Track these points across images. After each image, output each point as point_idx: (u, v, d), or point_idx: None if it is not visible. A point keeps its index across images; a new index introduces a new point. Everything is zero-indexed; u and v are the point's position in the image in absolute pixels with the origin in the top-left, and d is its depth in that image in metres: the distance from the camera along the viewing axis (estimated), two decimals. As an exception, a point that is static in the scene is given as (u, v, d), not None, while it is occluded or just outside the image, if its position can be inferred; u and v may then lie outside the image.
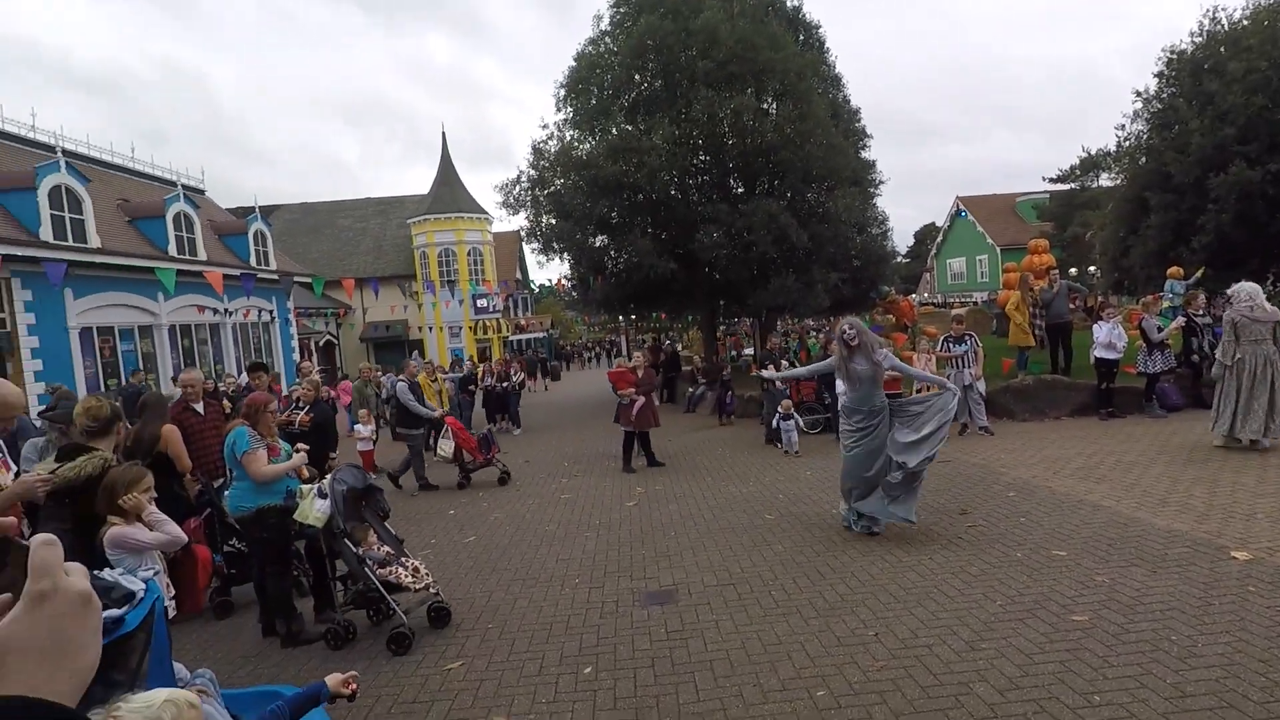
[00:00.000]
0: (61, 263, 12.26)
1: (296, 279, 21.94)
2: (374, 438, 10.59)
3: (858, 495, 6.12)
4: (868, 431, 6.03)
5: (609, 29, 17.74)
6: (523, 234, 19.40)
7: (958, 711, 3.24)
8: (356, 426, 10.52)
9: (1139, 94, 22.77)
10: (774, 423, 10.37)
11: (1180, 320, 10.38)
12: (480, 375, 16.42)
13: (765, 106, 16.27)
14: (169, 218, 19.67)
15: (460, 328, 33.48)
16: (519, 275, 43.08)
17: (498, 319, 33.96)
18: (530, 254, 19.89)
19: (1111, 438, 8.88)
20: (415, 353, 13.90)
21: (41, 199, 15.63)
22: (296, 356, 24.70)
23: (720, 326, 25.22)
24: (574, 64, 17.61)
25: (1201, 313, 10.58)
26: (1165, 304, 12.74)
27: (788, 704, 3.46)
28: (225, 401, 8.63)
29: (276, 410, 5.50)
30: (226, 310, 21.49)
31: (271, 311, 24.34)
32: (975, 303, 33.41)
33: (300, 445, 5.27)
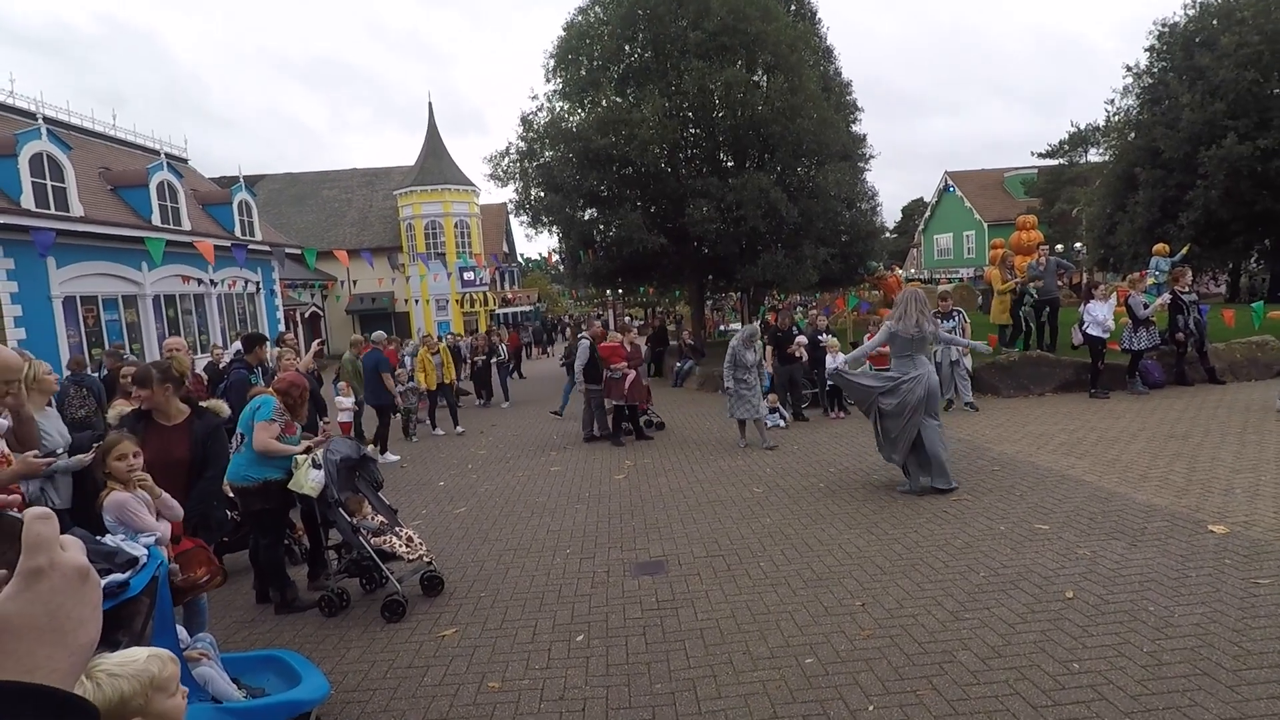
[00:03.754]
0: (49, 231, 12.02)
1: (286, 250, 21.70)
2: (356, 408, 10.56)
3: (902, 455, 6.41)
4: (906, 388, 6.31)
5: (599, -2, 17.45)
6: (511, 206, 19.24)
7: (941, 679, 3.32)
8: (338, 398, 10.48)
9: (1129, 68, 22.76)
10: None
11: (1165, 297, 10.48)
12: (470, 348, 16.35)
13: (756, 79, 16.12)
14: (152, 186, 19.34)
15: (447, 300, 33.28)
16: (506, 248, 42.74)
17: (485, 292, 33.76)
18: (518, 227, 19.77)
19: (1094, 414, 9.02)
20: (415, 331, 13.80)
21: (23, 166, 15.30)
22: (282, 327, 24.49)
23: (709, 300, 25.25)
24: (563, 34, 17.34)
25: (1187, 290, 10.68)
26: (1151, 281, 12.84)
27: (776, 671, 3.54)
28: (201, 374, 8.47)
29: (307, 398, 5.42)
30: (212, 281, 21.23)
31: (258, 283, 24.07)
32: (961, 279, 33.55)
33: (309, 438, 5.08)
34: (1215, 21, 19.82)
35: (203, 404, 4.43)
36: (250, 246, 20.58)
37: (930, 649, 3.61)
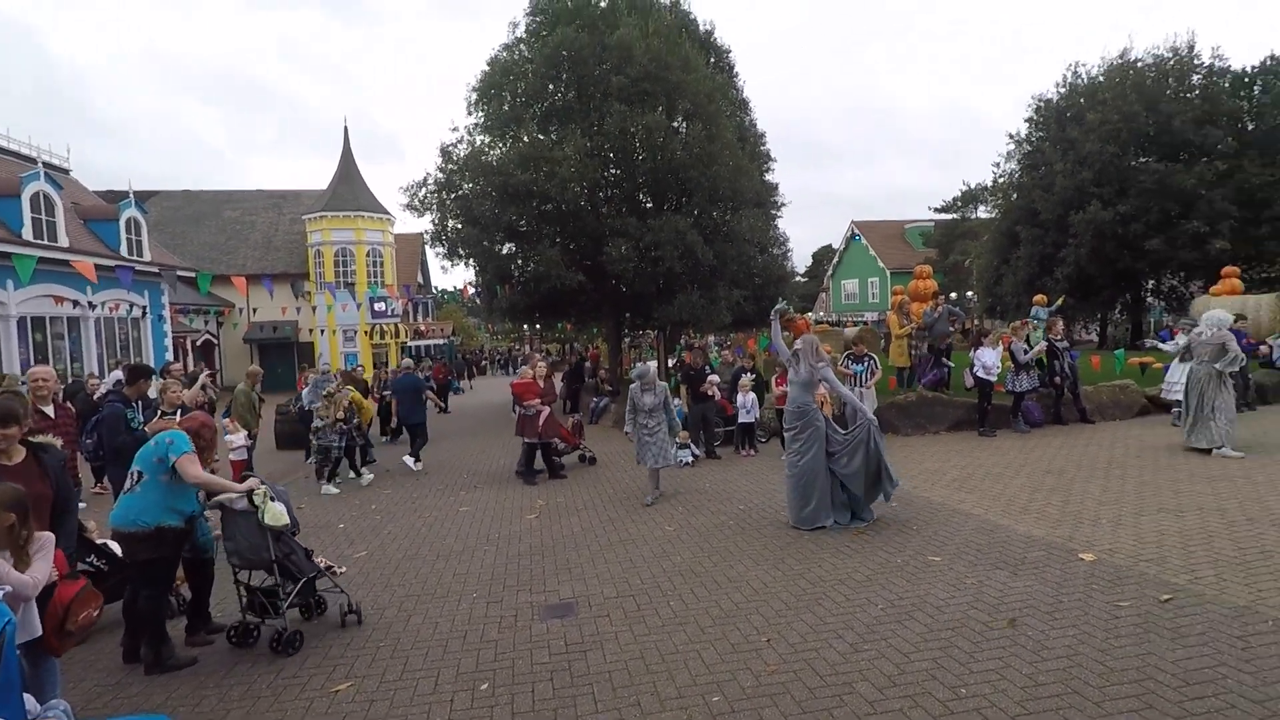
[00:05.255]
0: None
1: (178, 272, 20.44)
2: (249, 444, 9.90)
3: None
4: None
5: (524, 36, 17.69)
6: (427, 237, 18.93)
7: (841, 710, 3.42)
8: (226, 436, 9.74)
9: (1012, 136, 24.99)
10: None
11: (1043, 344, 11.37)
12: (374, 384, 15.78)
13: (676, 125, 16.65)
14: (25, 198, 17.91)
15: (355, 331, 32.13)
16: (421, 279, 41.86)
17: (396, 324, 32.82)
18: (434, 258, 19.41)
19: (983, 451, 9.61)
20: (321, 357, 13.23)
21: None
22: (170, 356, 22.94)
23: (626, 337, 25.48)
24: (487, 69, 17.43)
25: (1060, 337, 11.64)
26: (1031, 328, 13.92)
27: (683, 711, 3.55)
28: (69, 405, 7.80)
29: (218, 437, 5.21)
30: (90, 303, 19.72)
31: (144, 306, 22.52)
32: (866, 323, 35.29)
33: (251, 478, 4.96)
34: (1082, 100, 22.07)
35: (36, 439, 3.92)
36: (137, 267, 19.32)
37: (831, 681, 3.71)
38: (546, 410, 9.95)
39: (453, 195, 16.97)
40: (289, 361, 32.26)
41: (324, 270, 31.80)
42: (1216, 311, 9.11)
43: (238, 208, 36.18)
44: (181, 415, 7.09)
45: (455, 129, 17.14)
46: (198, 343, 28.90)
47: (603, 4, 16.93)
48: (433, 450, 12.42)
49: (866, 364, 10.50)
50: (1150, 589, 4.56)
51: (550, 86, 16.81)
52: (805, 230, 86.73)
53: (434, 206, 17.22)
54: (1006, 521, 6.27)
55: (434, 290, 39.11)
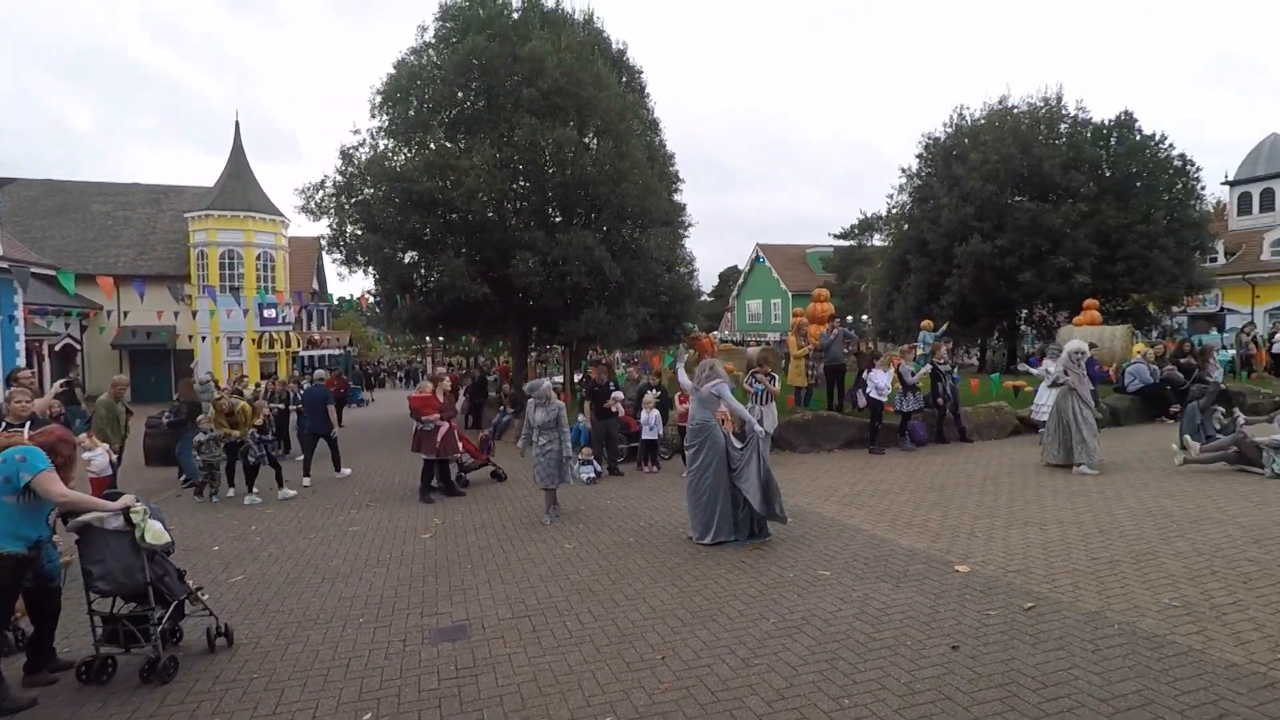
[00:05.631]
0: None
1: (34, 269, 18.58)
2: (112, 460, 9.01)
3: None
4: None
5: (433, 41, 17.32)
6: (324, 242, 18.10)
7: (730, 727, 3.46)
8: (84, 453, 8.83)
9: (904, 170, 26.54)
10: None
11: (928, 367, 12.08)
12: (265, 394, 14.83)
13: (587, 141, 16.71)
14: None
15: (241, 339, 30.22)
16: (316, 286, 39.94)
17: (288, 332, 31.12)
18: (331, 264, 18.52)
19: (873, 468, 10.08)
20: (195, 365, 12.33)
21: None
22: (21, 361, 20.76)
23: (533, 352, 25.20)
24: (393, 71, 16.94)
25: (944, 361, 12.42)
26: (918, 352, 14.77)
27: (574, 733, 3.49)
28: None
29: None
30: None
31: (-7, 307, 20.30)
32: (768, 343, 36.44)
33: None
34: (966, 140, 23.74)
35: None
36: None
37: (722, 697, 3.75)
38: (446, 426, 9.67)
39: (353, 200, 16.33)
40: (165, 371, 29.94)
41: (208, 273, 29.78)
42: (1075, 341, 9.97)
43: (110, 201, 33.37)
44: (32, 428, 6.43)
45: (357, 131, 16.55)
46: (56, 348, 26.32)
47: (515, 15, 16.84)
48: (323, 467, 11.80)
49: (765, 382, 10.81)
50: (1016, 598, 4.89)
51: (460, 94, 16.53)
52: (712, 251, 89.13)
53: (332, 210, 16.51)
54: (892, 536, 6.58)
55: (329, 298, 37.26)
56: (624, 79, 19.25)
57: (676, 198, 20.15)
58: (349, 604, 5.54)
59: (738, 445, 6.81)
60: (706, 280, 68.64)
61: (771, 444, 10.86)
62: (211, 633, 4.73)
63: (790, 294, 47.20)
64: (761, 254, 51.41)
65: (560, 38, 16.14)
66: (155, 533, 4.35)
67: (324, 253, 19.51)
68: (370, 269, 17.07)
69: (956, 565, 5.63)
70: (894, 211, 27.28)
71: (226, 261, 30.12)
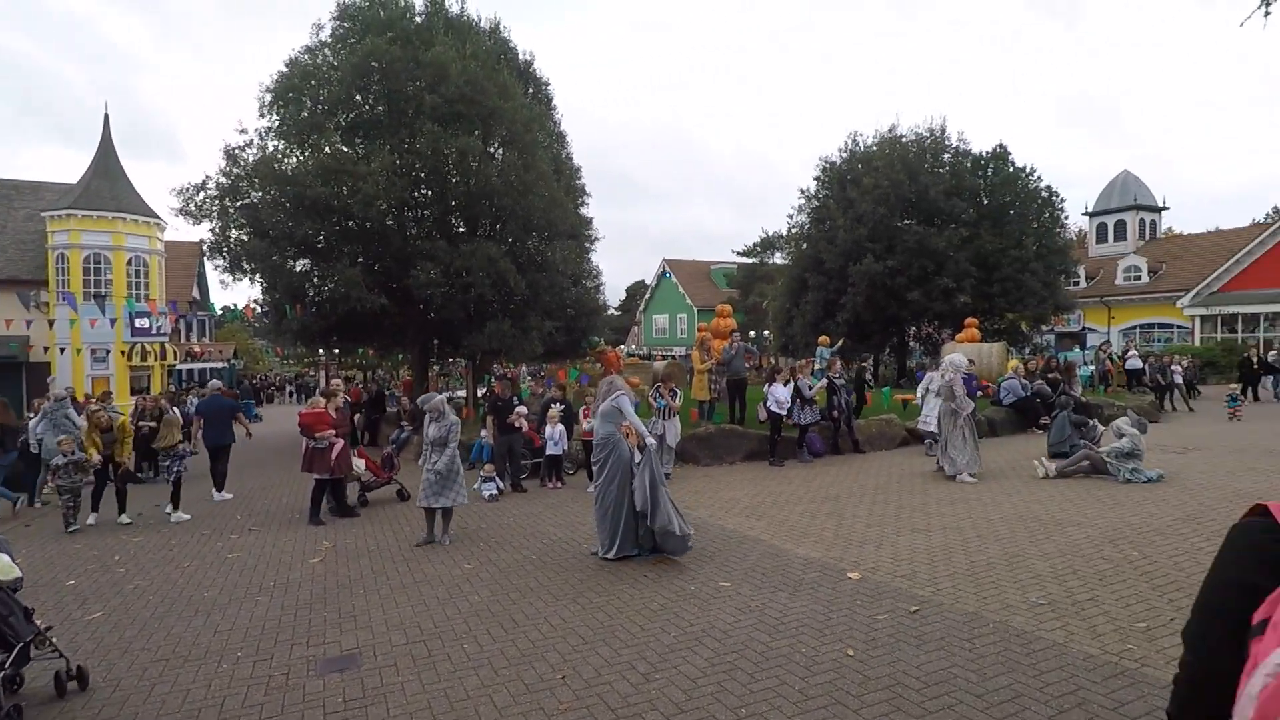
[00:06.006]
0: None
1: None
2: None
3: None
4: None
5: (329, 41, 16.66)
6: (206, 248, 16.96)
7: (630, 745, 3.43)
8: None
9: (803, 191, 27.69)
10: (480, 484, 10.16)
11: (824, 381, 12.57)
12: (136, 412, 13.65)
13: (492, 151, 16.49)
14: None
15: (109, 351, 27.76)
16: (197, 294, 37.31)
17: (163, 343, 28.86)
18: (213, 271, 17.34)
19: (772, 480, 10.36)
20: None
21: None
22: None
23: (436, 366, 24.48)
24: (285, 69, 16.16)
25: (839, 375, 12.96)
26: (816, 366, 15.36)
27: (468, 763, 3.36)
28: None
29: None
30: None
31: None
32: (674, 357, 36.95)
33: None
34: (860, 165, 25.07)
35: None
36: None
37: (622, 714, 3.72)
38: (340, 443, 9.21)
39: (238, 203, 15.41)
40: (15, 385, 27.07)
41: (69, 278, 27.19)
42: (954, 355, 10.65)
43: (-46, 197, 30.00)
44: None
45: (243, 130, 15.52)
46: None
47: (418, 19, 16.47)
48: (199, 489, 10.98)
49: (668, 398, 10.92)
50: (902, 602, 5.13)
51: (358, 97, 15.97)
52: (619, 264, 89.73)
53: (214, 214, 15.51)
54: (789, 546, 6.76)
55: (210, 307, 34.68)
56: (531, 90, 19.17)
57: (583, 211, 20.20)
58: (225, 637, 5.15)
59: (636, 458, 6.84)
60: (614, 294, 69.00)
61: (675, 458, 11.07)
62: (61, 676, 4.27)
63: (696, 309, 48.13)
64: (668, 269, 52.22)
65: (465, 45, 15.90)
66: (4, 568, 3.99)
67: (205, 259, 18.25)
68: (257, 277, 16.12)
69: (849, 572, 5.85)
70: (794, 231, 28.39)
71: (92, 266, 27.60)
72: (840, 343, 20.29)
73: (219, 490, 10.95)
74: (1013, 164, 25.18)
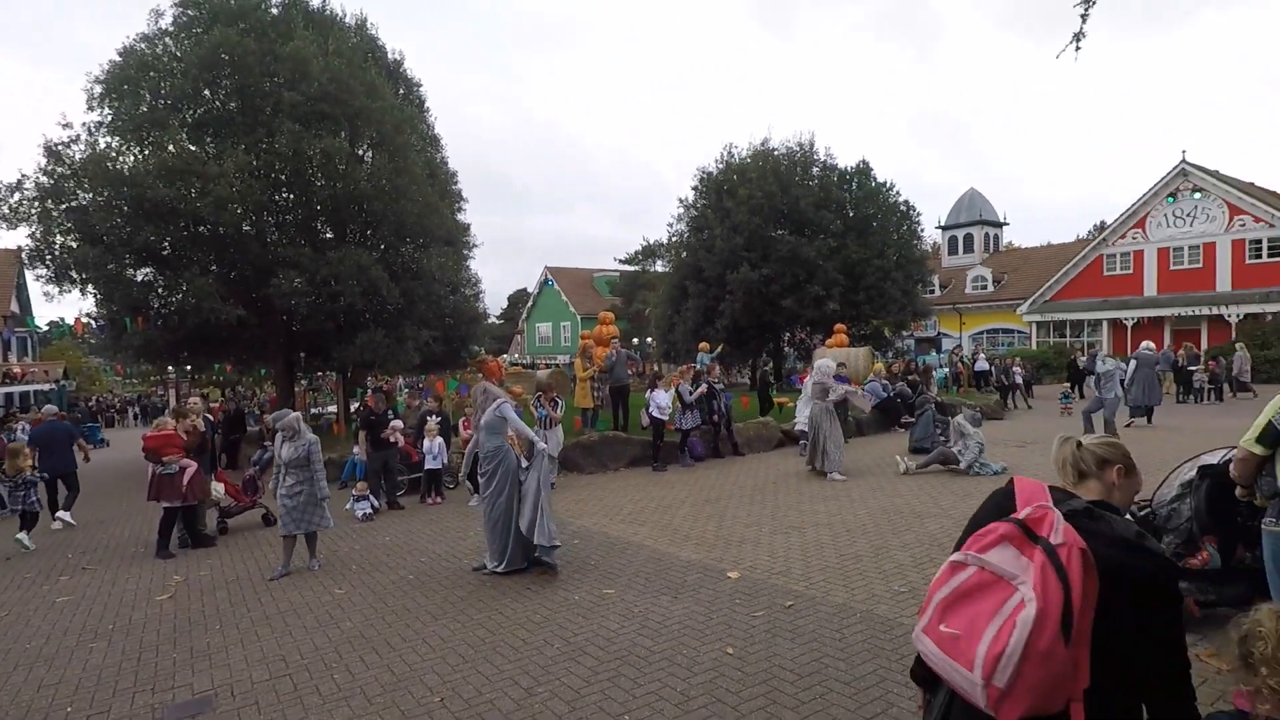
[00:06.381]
0: None
1: None
2: None
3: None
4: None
5: (171, 29, 15.33)
6: (25, 256, 15.09)
7: (511, 764, 3.34)
8: None
9: (681, 201, 28.40)
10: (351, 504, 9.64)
11: (704, 386, 12.90)
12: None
13: (361, 153, 15.76)
14: None
15: (-93, 372, 24.14)
16: (15, 308, 33.08)
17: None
18: (35, 282, 15.45)
19: (655, 485, 10.50)
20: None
21: None
22: None
23: (304, 381, 23.04)
24: (119, 59, 14.70)
25: (718, 380, 13.34)
26: (696, 371, 15.73)
27: (337, 802, 3.15)
28: None
29: None
30: None
31: None
32: (558, 365, 36.75)
33: None
34: (736, 176, 26.01)
35: None
36: None
37: (503, 735, 3.62)
38: (193, 467, 8.43)
39: (63, 205, 13.83)
40: None
41: None
42: (823, 360, 11.25)
43: None
44: None
45: (68, 125, 13.89)
46: None
47: (274, 11, 15.49)
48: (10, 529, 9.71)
49: (549, 408, 10.83)
50: (778, 598, 5.33)
51: (206, 92, 14.80)
52: (501, 271, 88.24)
53: (34, 217, 13.83)
54: (672, 549, 6.87)
55: (31, 322, 30.71)
56: (402, 91, 18.52)
57: (460, 217, 19.70)
58: (52, 692, 4.57)
59: (524, 465, 6.73)
60: (495, 302, 67.88)
61: (559, 467, 10.99)
62: None
63: (579, 317, 48.12)
64: (550, 277, 51.97)
65: (328, 41, 15.12)
66: None
67: (25, 268, 16.24)
68: (90, 288, 14.53)
69: (729, 572, 6.01)
70: (674, 240, 29.08)
71: (-119, 274, 23.92)
72: (720, 348, 20.93)
73: (65, 511, 10.19)
74: (875, 179, 26.97)
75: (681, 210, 28.02)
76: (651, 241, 43.65)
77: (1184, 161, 30.26)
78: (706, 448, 12.75)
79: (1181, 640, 1.52)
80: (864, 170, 26.98)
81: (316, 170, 14.52)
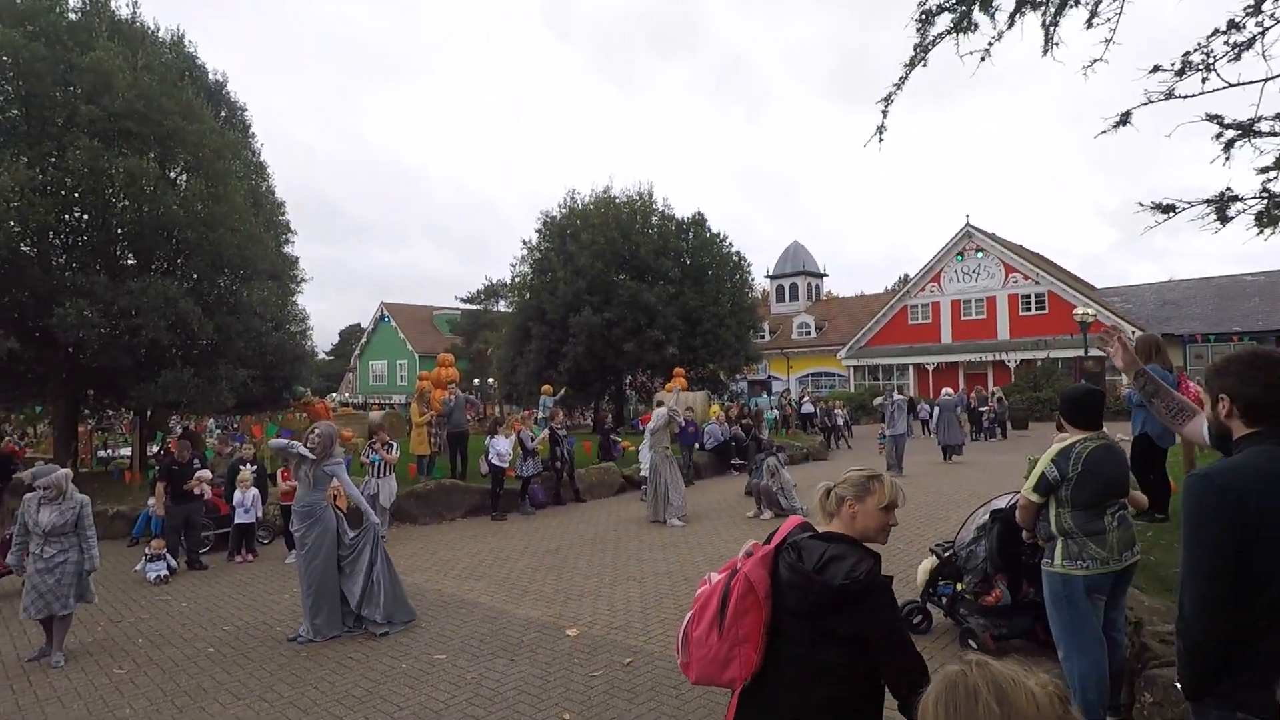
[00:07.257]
0: None
1: None
2: None
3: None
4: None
5: (-66, 21, 13.21)
6: None
7: None
8: None
9: (525, 242, 28.42)
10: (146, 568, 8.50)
11: (546, 432, 12.83)
12: None
13: (173, 176, 14.33)
14: None
15: None
16: None
17: None
18: None
19: (494, 535, 10.21)
20: None
21: None
22: None
23: (91, 421, 20.15)
24: None
25: (561, 426, 13.32)
26: (540, 415, 15.64)
27: None
28: None
29: None
30: None
31: None
32: (393, 406, 34.96)
33: None
34: (579, 221, 26.48)
35: None
36: None
37: (314, 833, 3.31)
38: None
39: None
40: None
41: None
42: (660, 409, 11.64)
43: None
44: None
45: None
46: None
47: (71, 15, 13.87)
48: None
49: (383, 453, 10.28)
50: (617, 655, 5.34)
51: (-20, 94, 12.87)
52: (333, 306, 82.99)
53: None
54: (509, 606, 6.68)
55: None
56: (224, 114, 17.17)
57: (288, 249, 18.38)
58: None
59: (350, 534, 6.31)
60: (325, 338, 63.63)
61: (391, 517, 10.40)
62: None
63: (418, 355, 46.31)
64: (387, 313, 49.74)
65: (137, 54, 13.74)
66: None
67: None
68: None
69: (567, 629, 5.94)
70: (517, 280, 28.92)
71: None
72: (563, 391, 20.94)
73: None
74: (709, 230, 28.57)
75: (525, 251, 28.06)
76: (494, 281, 43.19)
77: (968, 224, 35.11)
78: (548, 495, 12.62)
79: (853, 636, 1.97)
80: (699, 221, 28.50)
81: (119, 190, 12.96)
